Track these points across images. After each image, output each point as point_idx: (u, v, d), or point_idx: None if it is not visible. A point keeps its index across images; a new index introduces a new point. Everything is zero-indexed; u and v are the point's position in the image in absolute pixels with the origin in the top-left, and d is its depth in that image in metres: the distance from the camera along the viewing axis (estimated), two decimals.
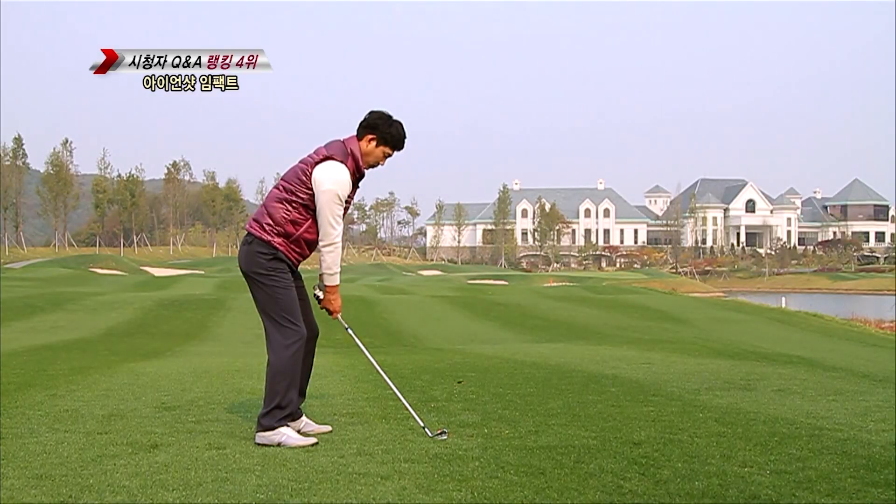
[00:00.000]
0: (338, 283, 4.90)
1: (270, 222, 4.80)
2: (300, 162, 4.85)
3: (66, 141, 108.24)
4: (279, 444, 4.55)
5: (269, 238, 4.78)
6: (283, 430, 4.63)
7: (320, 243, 4.81)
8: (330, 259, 4.82)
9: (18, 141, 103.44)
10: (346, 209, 4.87)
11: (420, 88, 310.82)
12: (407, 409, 5.04)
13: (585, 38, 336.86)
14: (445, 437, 4.70)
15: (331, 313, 4.97)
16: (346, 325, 5.09)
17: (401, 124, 4.88)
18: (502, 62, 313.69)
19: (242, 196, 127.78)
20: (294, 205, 4.78)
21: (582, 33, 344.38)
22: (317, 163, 4.78)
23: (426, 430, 4.80)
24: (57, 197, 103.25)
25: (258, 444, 4.59)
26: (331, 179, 4.72)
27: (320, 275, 4.91)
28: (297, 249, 4.84)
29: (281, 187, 4.85)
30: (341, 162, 4.76)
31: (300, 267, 5.06)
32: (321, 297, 4.93)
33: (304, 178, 4.77)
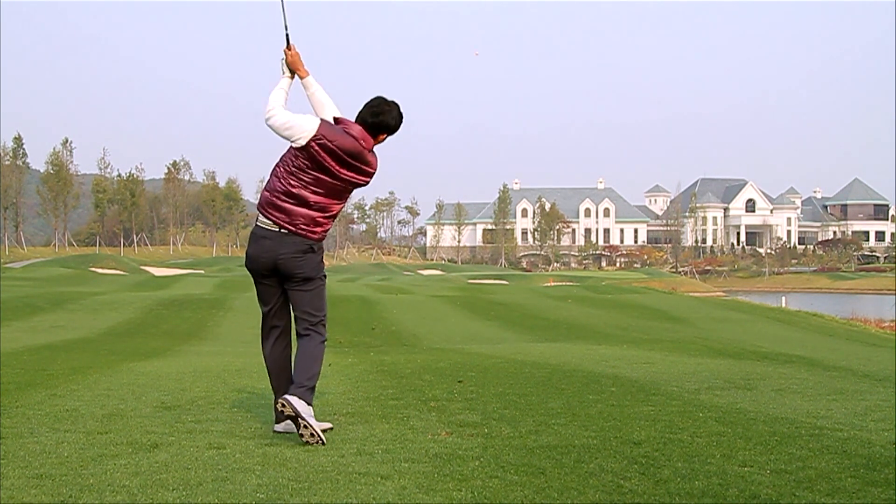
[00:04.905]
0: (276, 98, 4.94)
1: None
2: None
3: (66, 141, 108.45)
4: (297, 415, 4.53)
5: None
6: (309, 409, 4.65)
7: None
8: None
9: (18, 141, 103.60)
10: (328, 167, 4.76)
11: (420, 88, 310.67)
12: None
13: (585, 37, 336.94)
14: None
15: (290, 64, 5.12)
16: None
17: (384, 102, 4.91)
18: (503, 62, 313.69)
19: (242, 196, 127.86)
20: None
21: (582, 33, 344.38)
22: None
23: None
24: (57, 197, 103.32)
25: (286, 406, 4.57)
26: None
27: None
28: (264, 202, 4.91)
29: None
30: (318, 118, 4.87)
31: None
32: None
33: None
